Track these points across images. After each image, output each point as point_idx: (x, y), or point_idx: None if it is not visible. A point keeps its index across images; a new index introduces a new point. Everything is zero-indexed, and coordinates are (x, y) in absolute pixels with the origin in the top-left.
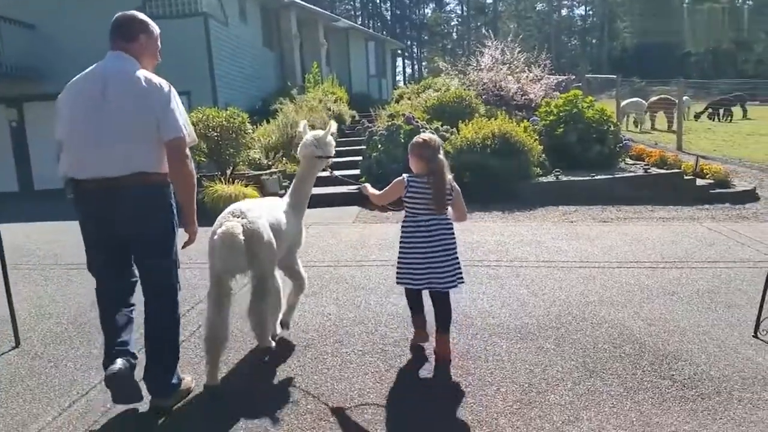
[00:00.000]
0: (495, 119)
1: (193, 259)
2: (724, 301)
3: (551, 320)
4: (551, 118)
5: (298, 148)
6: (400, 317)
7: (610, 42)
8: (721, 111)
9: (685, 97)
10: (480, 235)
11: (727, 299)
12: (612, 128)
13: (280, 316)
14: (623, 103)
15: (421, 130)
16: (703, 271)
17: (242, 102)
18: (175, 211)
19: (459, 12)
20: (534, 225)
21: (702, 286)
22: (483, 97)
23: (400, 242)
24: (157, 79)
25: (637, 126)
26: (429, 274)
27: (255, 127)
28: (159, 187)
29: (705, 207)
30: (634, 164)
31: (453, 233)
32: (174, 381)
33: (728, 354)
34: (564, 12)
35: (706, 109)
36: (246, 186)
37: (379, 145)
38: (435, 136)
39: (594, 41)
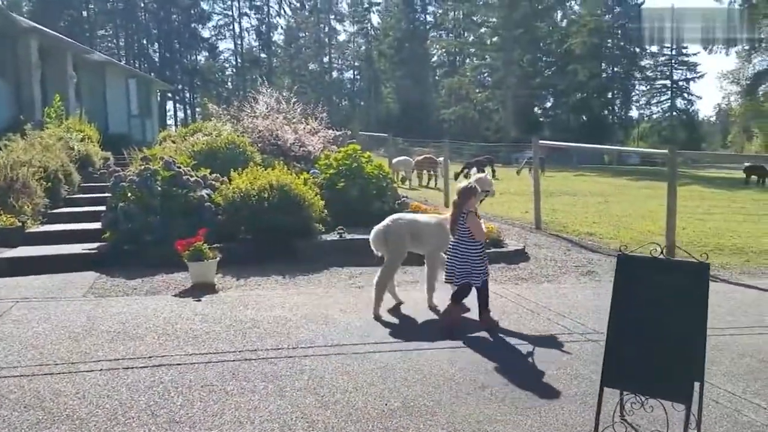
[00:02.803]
0: (273, 169)
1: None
2: (543, 394)
3: None
4: (332, 171)
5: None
6: None
7: (376, 104)
8: (475, 170)
9: (441, 158)
10: (256, 310)
11: (545, 391)
12: (391, 184)
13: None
14: (394, 160)
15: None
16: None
17: None
18: None
19: (233, 63)
20: (320, 292)
21: (513, 375)
22: (259, 145)
23: None
24: None
25: (403, 182)
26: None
27: None
28: None
29: None
30: None
31: (462, 249)
32: None
33: None
34: (335, 74)
35: (464, 168)
36: None
37: (129, 194)
38: (462, 185)
39: (362, 103)
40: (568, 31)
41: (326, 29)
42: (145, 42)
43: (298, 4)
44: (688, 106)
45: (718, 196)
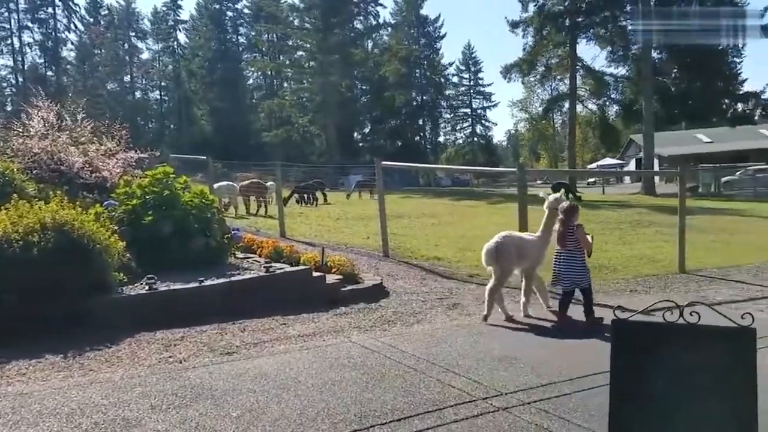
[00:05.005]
0: (47, 203)
1: None
2: None
3: None
4: (135, 201)
5: (545, 205)
6: None
7: (189, 126)
8: (306, 196)
9: (270, 183)
10: (8, 429)
11: None
12: (217, 215)
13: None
14: (215, 186)
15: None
16: None
17: None
18: None
19: (13, 81)
20: (119, 377)
21: None
22: (35, 172)
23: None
24: None
25: (227, 209)
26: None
27: None
28: None
29: (342, 311)
30: (246, 258)
31: (567, 257)
32: None
33: None
34: (139, 94)
35: (293, 193)
36: None
37: None
38: (566, 204)
39: (172, 126)
40: (381, 60)
41: (126, 46)
42: None
43: (91, 19)
44: (486, 132)
45: (535, 213)
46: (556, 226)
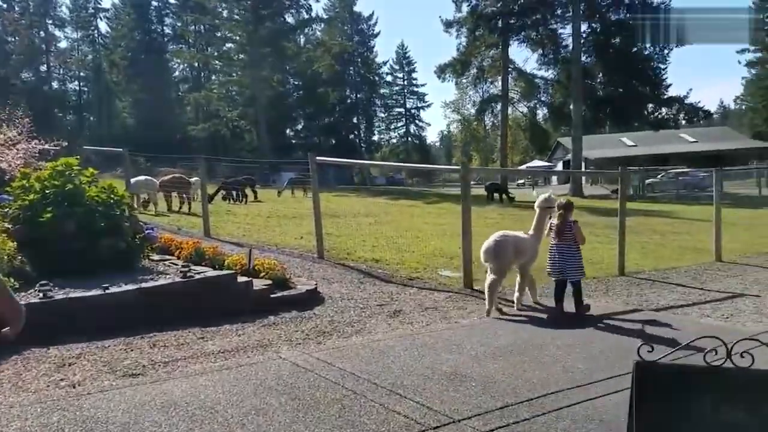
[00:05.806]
0: None
1: None
2: None
3: None
4: (33, 196)
5: (536, 204)
6: None
7: (110, 119)
8: (234, 192)
9: (195, 178)
10: None
11: None
12: (128, 212)
13: (529, 295)
14: (132, 180)
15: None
16: None
17: None
18: None
19: None
20: None
21: None
22: None
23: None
24: None
25: (146, 208)
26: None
27: None
28: None
29: (271, 320)
30: (162, 261)
31: (566, 250)
32: None
33: None
34: (56, 85)
35: (219, 190)
36: None
37: None
38: (564, 201)
39: (92, 118)
40: (314, 55)
41: (42, 34)
42: None
43: (4, 5)
44: (420, 132)
45: (475, 214)
46: (554, 221)
